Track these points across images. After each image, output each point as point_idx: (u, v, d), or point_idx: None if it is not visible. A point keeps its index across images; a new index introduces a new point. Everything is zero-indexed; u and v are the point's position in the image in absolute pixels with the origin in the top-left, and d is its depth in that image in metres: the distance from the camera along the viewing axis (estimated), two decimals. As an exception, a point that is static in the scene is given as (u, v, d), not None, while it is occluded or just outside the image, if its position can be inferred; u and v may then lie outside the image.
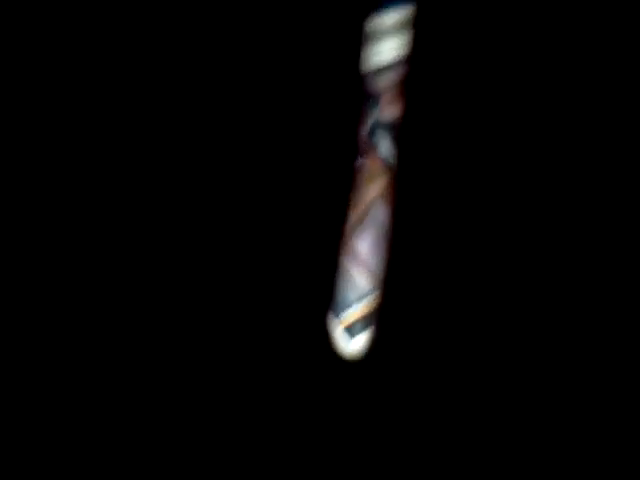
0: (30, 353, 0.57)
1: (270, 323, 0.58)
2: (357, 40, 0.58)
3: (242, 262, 0.59)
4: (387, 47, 0.58)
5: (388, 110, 0.58)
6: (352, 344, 0.58)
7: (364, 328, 0.58)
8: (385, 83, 0.58)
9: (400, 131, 0.58)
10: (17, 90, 0.58)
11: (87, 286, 0.58)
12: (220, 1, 0.58)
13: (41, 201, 0.58)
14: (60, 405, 0.56)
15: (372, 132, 0.58)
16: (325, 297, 0.58)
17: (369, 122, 0.58)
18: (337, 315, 0.58)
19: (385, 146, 0.58)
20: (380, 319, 0.58)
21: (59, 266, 0.58)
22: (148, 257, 0.58)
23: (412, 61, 0.58)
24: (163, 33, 0.59)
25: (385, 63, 0.58)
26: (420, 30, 0.58)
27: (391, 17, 0.58)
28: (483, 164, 0.58)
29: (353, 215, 0.58)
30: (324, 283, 0.58)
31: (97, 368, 0.57)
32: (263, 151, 0.58)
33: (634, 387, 0.56)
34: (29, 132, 0.58)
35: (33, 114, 0.58)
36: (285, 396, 0.58)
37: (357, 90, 0.58)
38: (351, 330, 0.58)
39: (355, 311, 0.58)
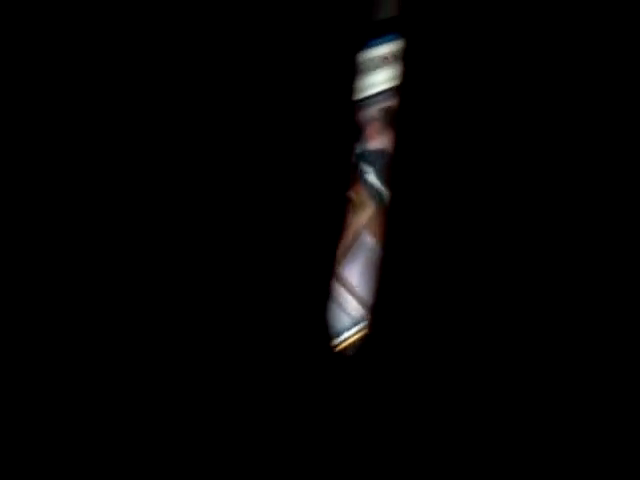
0: (30, 352, 0.59)
1: (265, 325, 0.59)
2: (349, 72, 0.60)
3: (236, 275, 0.60)
4: (377, 79, 0.60)
5: (375, 140, 0.59)
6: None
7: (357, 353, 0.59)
8: (374, 113, 0.60)
9: (390, 160, 0.59)
10: (17, 90, 0.61)
11: (84, 285, 0.60)
12: (212, 36, 0.61)
13: (41, 201, 0.60)
14: (60, 405, 0.59)
15: (359, 161, 0.60)
16: (321, 301, 0.59)
17: (357, 152, 0.60)
18: (341, 334, 0.59)
19: (372, 175, 0.59)
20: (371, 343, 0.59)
21: (59, 265, 0.60)
22: (142, 262, 0.60)
23: (401, 92, 0.59)
24: (160, 35, 0.60)
25: (375, 94, 0.60)
26: (408, 62, 0.59)
27: (381, 50, 0.60)
28: (472, 192, 0.58)
29: (342, 244, 0.60)
30: (316, 305, 0.60)
31: (94, 368, 0.59)
32: (254, 179, 0.60)
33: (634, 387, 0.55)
34: (29, 132, 0.61)
35: (33, 114, 0.60)
36: (280, 393, 0.59)
37: (349, 120, 0.60)
38: (344, 355, 0.59)
39: (347, 337, 0.59)
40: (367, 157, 0.60)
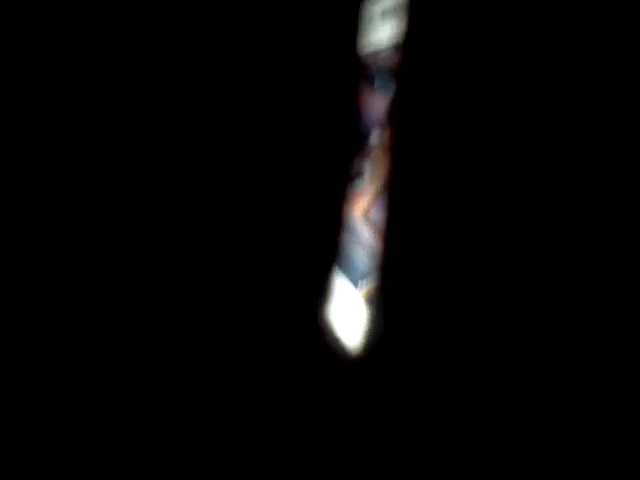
0: (30, 352, 0.58)
1: (267, 322, 0.61)
2: (354, 25, 0.61)
3: (240, 254, 0.61)
4: (383, 31, 0.62)
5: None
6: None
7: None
8: (386, 62, 0.62)
9: (394, 115, 0.61)
10: (17, 90, 0.59)
11: (81, 283, 0.59)
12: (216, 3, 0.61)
13: (41, 201, 0.59)
14: (60, 404, 0.58)
15: (392, 107, 0.61)
16: (322, 296, 0.61)
17: (387, 98, 0.61)
18: (356, 285, 0.62)
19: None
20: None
21: (58, 264, 0.59)
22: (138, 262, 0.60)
23: (404, 47, 0.61)
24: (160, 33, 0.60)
25: (379, 49, 0.62)
26: (413, 16, 0.61)
27: (385, 3, 0.62)
28: (474, 152, 0.60)
29: (374, 186, 0.62)
30: (332, 257, 0.61)
31: (92, 366, 0.58)
32: (262, 141, 0.61)
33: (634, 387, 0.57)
34: (29, 132, 0.60)
35: (33, 114, 0.59)
36: (281, 395, 0.60)
37: (355, 71, 0.61)
38: (371, 301, 0.62)
39: (368, 284, 0.62)
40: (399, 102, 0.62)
